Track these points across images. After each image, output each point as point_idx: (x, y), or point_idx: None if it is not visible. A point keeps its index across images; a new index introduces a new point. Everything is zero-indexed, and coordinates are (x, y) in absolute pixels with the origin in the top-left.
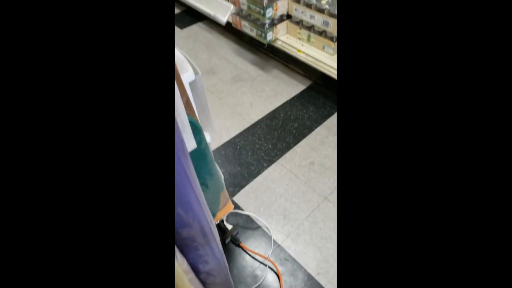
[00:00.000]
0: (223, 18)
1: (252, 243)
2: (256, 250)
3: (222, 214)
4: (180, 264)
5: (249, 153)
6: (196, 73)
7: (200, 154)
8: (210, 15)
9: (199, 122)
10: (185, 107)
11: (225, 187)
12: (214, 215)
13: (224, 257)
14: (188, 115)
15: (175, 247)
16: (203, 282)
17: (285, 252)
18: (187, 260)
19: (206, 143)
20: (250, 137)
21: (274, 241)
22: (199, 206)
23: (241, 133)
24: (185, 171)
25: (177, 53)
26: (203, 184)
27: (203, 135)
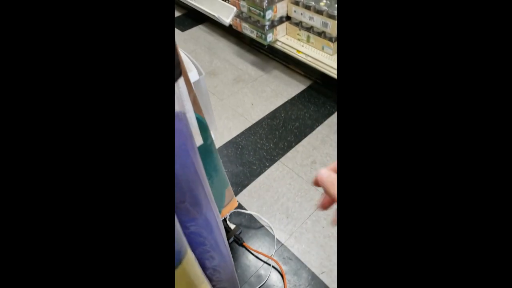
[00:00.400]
0: (226, 20)
1: (255, 243)
2: (260, 250)
3: (227, 211)
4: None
5: (251, 153)
6: (200, 73)
7: (206, 151)
8: (214, 16)
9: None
10: (192, 104)
11: (229, 184)
12: (219, 211)
13: (230, 253)
14: (195, 112)
15: (185, 238)
16: (209, 279)
17: (289, 251)
18: (194, 255)
19: (212, 140)
20: (252, 137)
21: (277, 240)
22: (207, 201)
23: (242, 133)
24: (194, 165)
25: (182, 54)
26: (209, 180)
27: (209, 132)
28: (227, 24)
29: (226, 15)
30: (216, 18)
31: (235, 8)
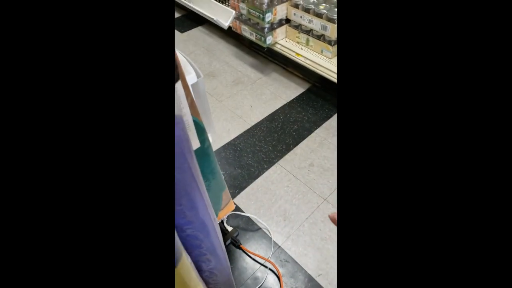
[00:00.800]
0: (225, 23)
1: (253, 245)
2: (257, 252)
3: (223, 214)
4: (186, 258)
5: (249, 155)
6: (198, 76)
7: (203, 153)
8: (213, 19)
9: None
10: (189, 107)
11: (226, 187)
12: (216, 214)
13: (226, 256)
14: (192, 115)
15: (181, 242)
16: (206, 282)
17: (286, 253)
18: (191, 258)
19: (209, 143)
20: (250, 139)
21: (274, 242)
22: (203, 204)
23: (241, 135)
24: (191, 168)
25: (180, 56)
26: (206, 183)
27: (206, 135)
28: (225, 27)
29: (225, 18)
30: (215, 21)
31: (233, 12)
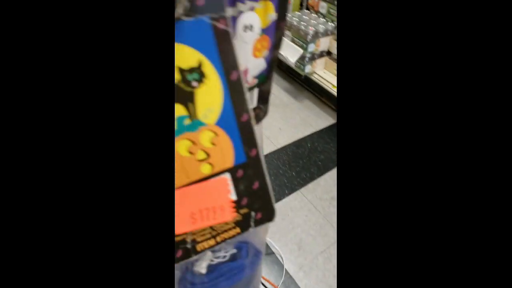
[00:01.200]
0: (292, 60)
1: (264, 269)
2: (267, 277)
3: None
4: None
5: (272, 178)
6: None
7: None
8: (281, 54)
9: None
10: None
11: None
12: None
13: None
14: None
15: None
16: None
17: (296, 284)
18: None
19: None
20: (275, 161)
21: (286, 270)
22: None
23: (266, 156)
24: None
25: None
26: None
27: None
28: (292, 65)
29: (292, 55)
30: (283, 56)
31: (301, 50)
